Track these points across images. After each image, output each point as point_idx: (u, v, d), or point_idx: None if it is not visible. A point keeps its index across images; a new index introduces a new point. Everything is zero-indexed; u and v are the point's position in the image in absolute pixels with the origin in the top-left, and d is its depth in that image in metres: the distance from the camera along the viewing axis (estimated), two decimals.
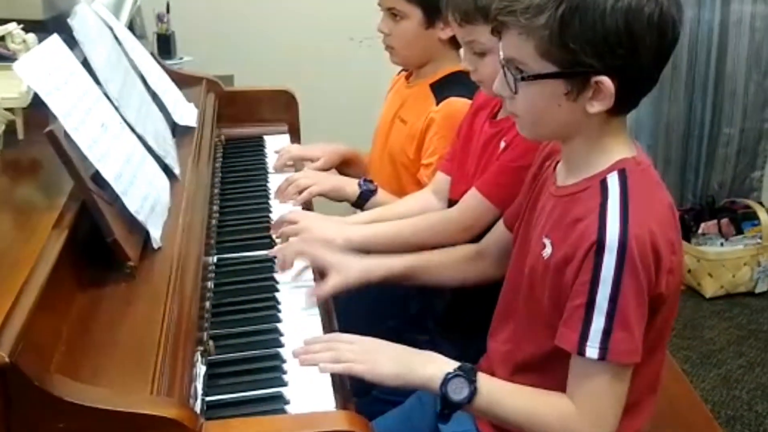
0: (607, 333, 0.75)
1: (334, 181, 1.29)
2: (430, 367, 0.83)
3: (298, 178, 1.25)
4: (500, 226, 1.00)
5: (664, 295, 0.78)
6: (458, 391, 0.81)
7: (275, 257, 1.04)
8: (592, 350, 0.76)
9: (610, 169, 0.80)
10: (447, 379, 0.81)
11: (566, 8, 0.74)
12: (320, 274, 1.00)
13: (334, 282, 0.98)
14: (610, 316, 0.75)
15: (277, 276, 1.01)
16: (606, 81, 0.76)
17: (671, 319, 0.85)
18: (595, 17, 0.74)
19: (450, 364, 0.83)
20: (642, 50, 0.76)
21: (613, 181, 0.79)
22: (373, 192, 1.27)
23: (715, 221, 2.24)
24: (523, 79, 0.79)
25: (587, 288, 0.76)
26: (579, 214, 0.79)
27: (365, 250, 1.12)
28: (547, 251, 0.82)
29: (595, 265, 0.75)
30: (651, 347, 0.82)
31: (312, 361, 0.84)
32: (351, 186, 1.27)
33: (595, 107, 0.78)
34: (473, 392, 0.80)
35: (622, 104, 0.79)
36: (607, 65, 0.75)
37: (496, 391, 0.82)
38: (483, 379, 0.82)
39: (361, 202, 1.26)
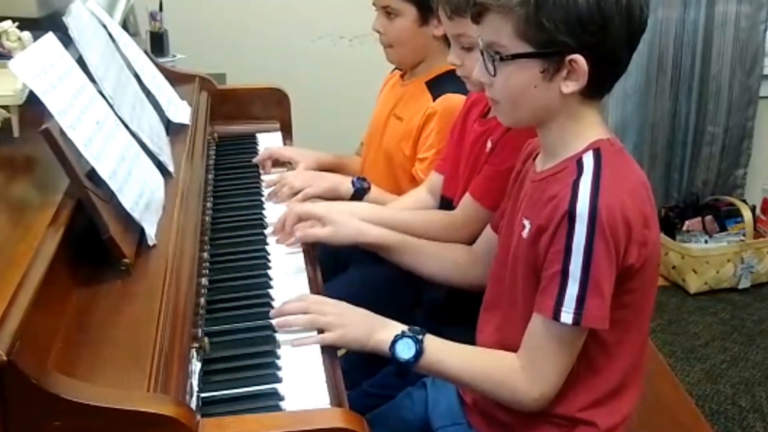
0: (581, 299, 0.78)
1: (328, 181, 1.30)
2: (384, 331, 0.88)
3: (292, 181, 1.26)
4: (488, 232, 1.02)
5: (634, 267, 0.81)
6: (405, 351, 0.85)
7: (270, 247, 1.06)
8: (567, 315, 0.79)
9: (585, 150, 0.84)
10: (395, 340, 0.86)
11: None
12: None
13: (325, 232, 1.03)
14: (583, 283, 0.78)
15: (270, 272, 1.02)
16: (579, 59, 0.80)
17: (649, 298, 0.88)
18: None
19: (401, 328, 0.87)
20: (612, 30, 0.80)
21: (588, 159, 0.83)
22: (367, 189, 1.28)
23: (700, 218, 2.27)
24: (501, 59, 0.82)
25: (561, 256, 0.79)
26: (555, 192, 0.82)
27: None
28: (526, 231, 0.85)
29: (568, 234, 0.78)
30: (627, 325, 0.85)
31: (287, 324, 0.88)
32: (344, 184, 1.28)
33: (570, 87, 0.81)
34: (419, 352, 0.85)
35: (595, 86, 0.83)
36: (580, 44, 0.79)
37: (442, 351, 0.86)
38: (429, 340, 0.86)
39: (354, 200, 1.28)
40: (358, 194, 1.28)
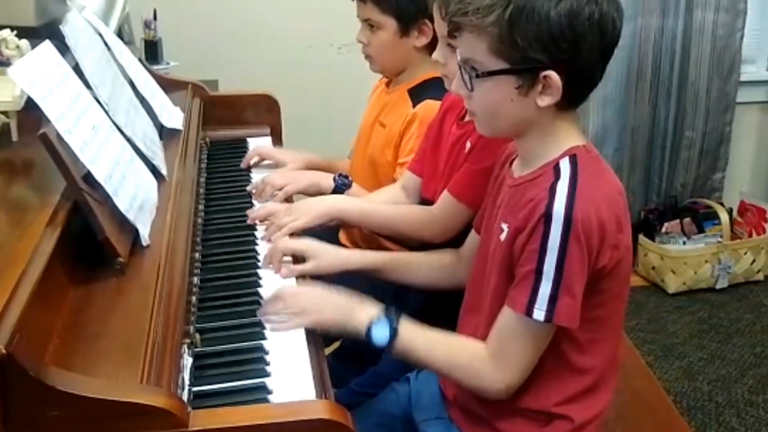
0: (553, 298, 0.81)
1: (310, 177, 1.32)
2: (362, 314, 0.90)
3: (274, 179, 1.28)
4: (473, 234, 1.05)
5: (606, 268, 0.84)
6: (380, 335, 0.88)
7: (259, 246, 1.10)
8: (540, 313, 0.82)
9: (562, 156, 0.86)
10: (371, 325, 0.88)
11: (513, 8, 0.80)
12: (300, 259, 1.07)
13: (309, 267, 1.05)
14: (556, 282, 0.81)
15: (260, 272, 1.05)
16: (553, 75, 0.82)
17: (622, 299, 0.91)
18: (540, 16, 0.80)
19: (378, 312, 0.90)
20: (584, 46, 0.82)
21: (564, 165, 0.85)
22: (348, 186, 1.31)
23: (678, 221, 2.32)
24: (477, 76, 0.84)
25: (536, 255, 0.81)
26: (533, 195, 0.85)
27: (356, 224, 1.18)
28: (504, 234, 0.88)
29: (544, 234, 0.81)
30: (600, 323, 0.88)
31: (268, 322, 0.91)
32: (326, 180, 1.31)
33: (545, 101, 0.84)
34: (393, 335, 0.88)
35: (570, 98, 0.85)
36: (554, 60, 0.81)
37: (415, 335, 0.89)
38: (404, 325, 0.89)
39: (337, 194, 1.30)
40: (339, 190, 1.30)
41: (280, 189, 1.26)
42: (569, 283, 0.81)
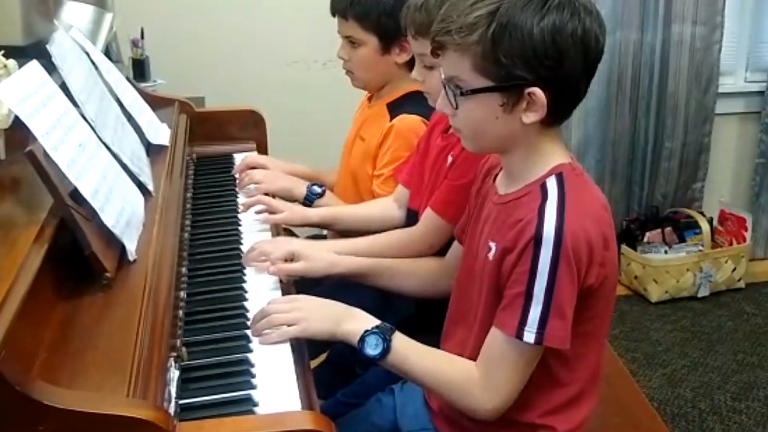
0: (543, 320, 0.81)
1: (284, 182, 1.37)
2: (354, 323, 0.90)
3: (255, 174, 1.35)
4: (457, 244, 1.07)
5: (593, 287, 0.85)
6: (373, 347, 0.88)
7: (246, 252, 1.13)
8: (530, 335, 0.82)
9: (548, 174, 0.87)
10: (364, 336, 0.88)
11: (496, 26, 0.80)
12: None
13: (299, 267, 1.07)
14: (546, 305, 0.81)
15: (246, 286, 1.06)
16: (538, 92, 0.82)
17: (607, 313, 0.92)
18: (524, 33, 0.79)
19: (371, 322, 0.90)
20: (568, 62, 0.81)
21: (551, 184, 0.85)
22: (320, 195, 1.35)
23: (659, 230, 2.35)
24: (462, 94, 0.85)
25: (526, 278, 0.82)
26: (521, 216, 0.85)
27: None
28: (492, 253, 0.88)
29: (533, 257, 0.81)
30: (587, 338, 0.89)
31: (255, 332, 0.92)
32: (300, 188, 1.36)
33: (530, 118, 0.83)
34: (386, 349, 0.88)
35: (555, 114, 0.84)
36: (538, 77, 0.81)
37: (408, 350, 0.89)
38: (397, 339, 0.89)
39: (307, 203, 1.35)
40: (310, 198, 1.35)
41: (257, 183, 1.33)
42: (559, 305, 0.81)
